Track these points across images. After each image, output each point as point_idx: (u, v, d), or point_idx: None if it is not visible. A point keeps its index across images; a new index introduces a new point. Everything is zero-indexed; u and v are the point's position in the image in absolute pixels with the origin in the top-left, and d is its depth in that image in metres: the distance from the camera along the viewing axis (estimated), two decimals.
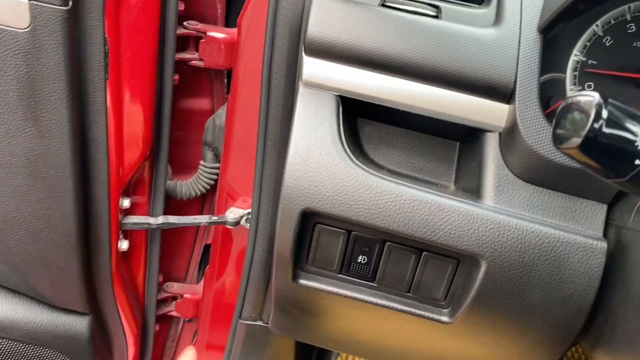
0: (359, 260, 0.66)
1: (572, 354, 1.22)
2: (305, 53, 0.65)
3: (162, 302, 1.08)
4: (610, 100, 0.37)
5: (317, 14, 0.64)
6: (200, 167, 1.00)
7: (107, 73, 0.77)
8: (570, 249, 0.59)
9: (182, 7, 0.88)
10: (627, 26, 0.68)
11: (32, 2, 0.66)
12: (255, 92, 0.78)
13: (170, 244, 1.07)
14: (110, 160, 0.82)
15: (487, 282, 0.61)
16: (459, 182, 0.71)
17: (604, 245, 0.59)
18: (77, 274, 0.86)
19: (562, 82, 0.69)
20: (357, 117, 0.73)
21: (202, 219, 0.92)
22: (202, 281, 1.05)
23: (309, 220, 0.64)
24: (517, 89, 0.61)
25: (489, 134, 0.65)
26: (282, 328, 0.78)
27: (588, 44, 0.69)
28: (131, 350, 1.01)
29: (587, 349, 0.65)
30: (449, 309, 0.67)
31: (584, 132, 0.36)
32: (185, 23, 0.90)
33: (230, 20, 0.97)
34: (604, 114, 0.37)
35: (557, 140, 0.39)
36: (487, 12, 0.64)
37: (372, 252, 0.66)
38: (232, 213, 0.87)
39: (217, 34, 0.91)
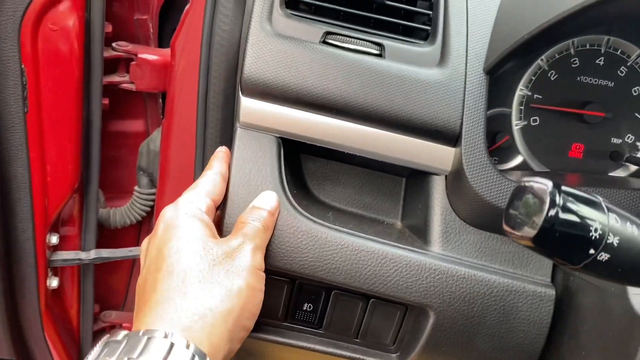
0: (305, 308, 0.64)
1: None
2: (242, 93, 0.61)
3: (100, 333, 1.02)
4: (563, 188, 0.35)
5: (253, 53, 0.60)
6: (135, 193, 0.94)
7: (27, 106, 0.70)
8: (519, 298, 0.58)
9: (109, 28, 0.81)
10: (571, 60, 0.68)
11: None
12: (191, 117, 0.73)
13: (106, 269, 1.01)
14: (34, 197, 0.76)
15: (436, 331, 0.59)
16: (406, 219, 0.69)
17: (552, 292, 0.59)
18: (1, 318, 0.79)
19: (508, 116, 0.68)
20: (301, 153, 0.69)
21: (137, 251, 0.87)
22: None
23: None
24: (463, 133, 0.59)
25: (435, 177, 0.63)
26: None
27: (533, 78, 0.68)
28: None
29: None
30: (398, 353, 0.65)
31: (538, 224, 0.34)
32: (114, 44, 0.83)
33: (164, 38, 0.91)
34: (559, 201, 0.35)
35: (510, 222, 0.37)
36: (431, 50, 0.62)
37: (318, 299, 0.63)
38: None
39: (149, 55, 0.85)
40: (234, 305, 0.50)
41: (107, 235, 0.97)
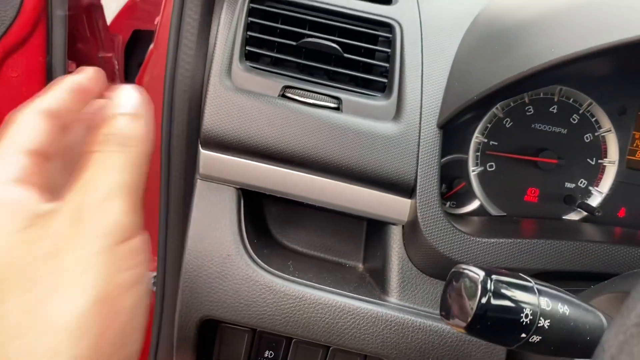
0: (266, 356, 0.64)
1: None
2: (201, 146, 0.62)
3: None
4: (494, 277, 0.37)
5: (213, 107, 0.61)
6: None
7: None
8: (472, 347, 0.60)
9: (73, 67, 0.81)
10: (526, 109, 0.69)
11: None
12: (156, 155, 0.74)
13: None
14: None
15: None
16: (367, 262, 0.70)
17: None
18: None
19: (465, 162, 0.70)
20: (264, 197, 0.70)
21: None
22: None
23: (210, 322, 0.62)
24: (418, 186, 0.61)
25: (392, 226, 0.64)
26: None
27: (489, 125, 0.69)
28: None
29: None
30: None
31: (470, 313, 0.36)
32: None
33: (130, 73, 0.92)
34: (490, 287, 0.36)
35: (444, 309, 0.39)
36: (387, 104, 0.63)
37: (279, 347, 0.64)
38: None
39: None
40: None
41: None
